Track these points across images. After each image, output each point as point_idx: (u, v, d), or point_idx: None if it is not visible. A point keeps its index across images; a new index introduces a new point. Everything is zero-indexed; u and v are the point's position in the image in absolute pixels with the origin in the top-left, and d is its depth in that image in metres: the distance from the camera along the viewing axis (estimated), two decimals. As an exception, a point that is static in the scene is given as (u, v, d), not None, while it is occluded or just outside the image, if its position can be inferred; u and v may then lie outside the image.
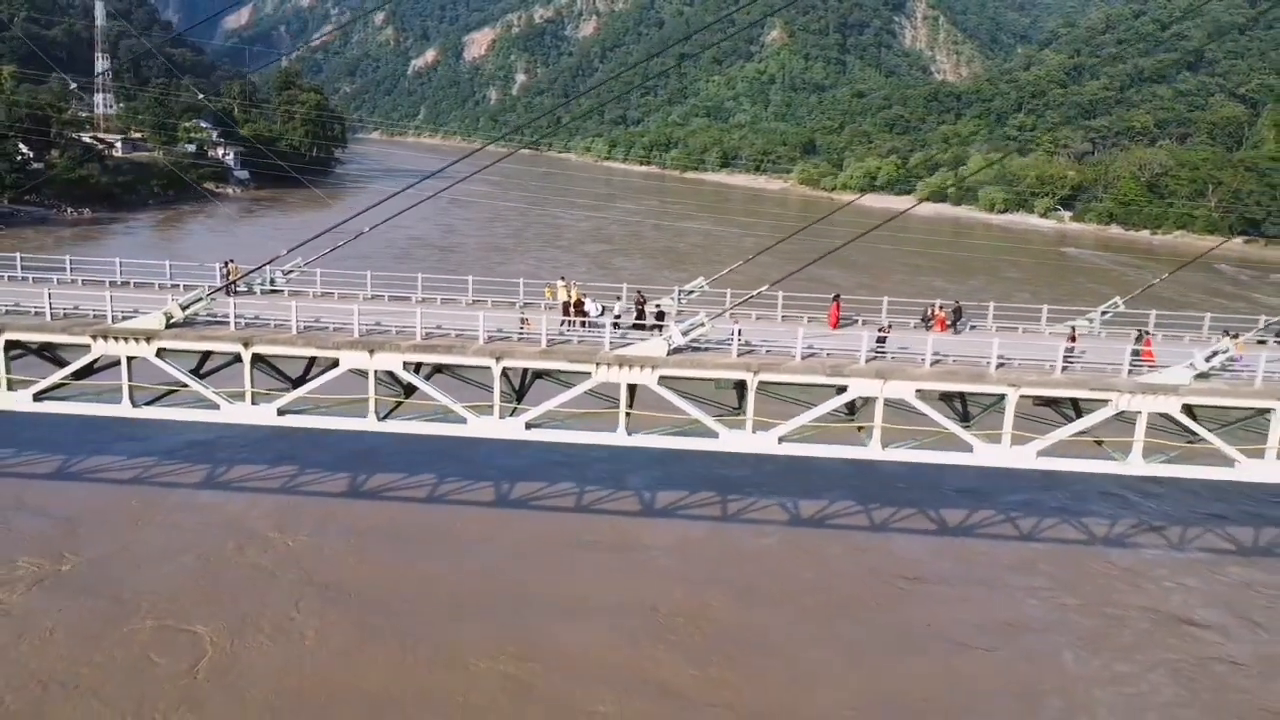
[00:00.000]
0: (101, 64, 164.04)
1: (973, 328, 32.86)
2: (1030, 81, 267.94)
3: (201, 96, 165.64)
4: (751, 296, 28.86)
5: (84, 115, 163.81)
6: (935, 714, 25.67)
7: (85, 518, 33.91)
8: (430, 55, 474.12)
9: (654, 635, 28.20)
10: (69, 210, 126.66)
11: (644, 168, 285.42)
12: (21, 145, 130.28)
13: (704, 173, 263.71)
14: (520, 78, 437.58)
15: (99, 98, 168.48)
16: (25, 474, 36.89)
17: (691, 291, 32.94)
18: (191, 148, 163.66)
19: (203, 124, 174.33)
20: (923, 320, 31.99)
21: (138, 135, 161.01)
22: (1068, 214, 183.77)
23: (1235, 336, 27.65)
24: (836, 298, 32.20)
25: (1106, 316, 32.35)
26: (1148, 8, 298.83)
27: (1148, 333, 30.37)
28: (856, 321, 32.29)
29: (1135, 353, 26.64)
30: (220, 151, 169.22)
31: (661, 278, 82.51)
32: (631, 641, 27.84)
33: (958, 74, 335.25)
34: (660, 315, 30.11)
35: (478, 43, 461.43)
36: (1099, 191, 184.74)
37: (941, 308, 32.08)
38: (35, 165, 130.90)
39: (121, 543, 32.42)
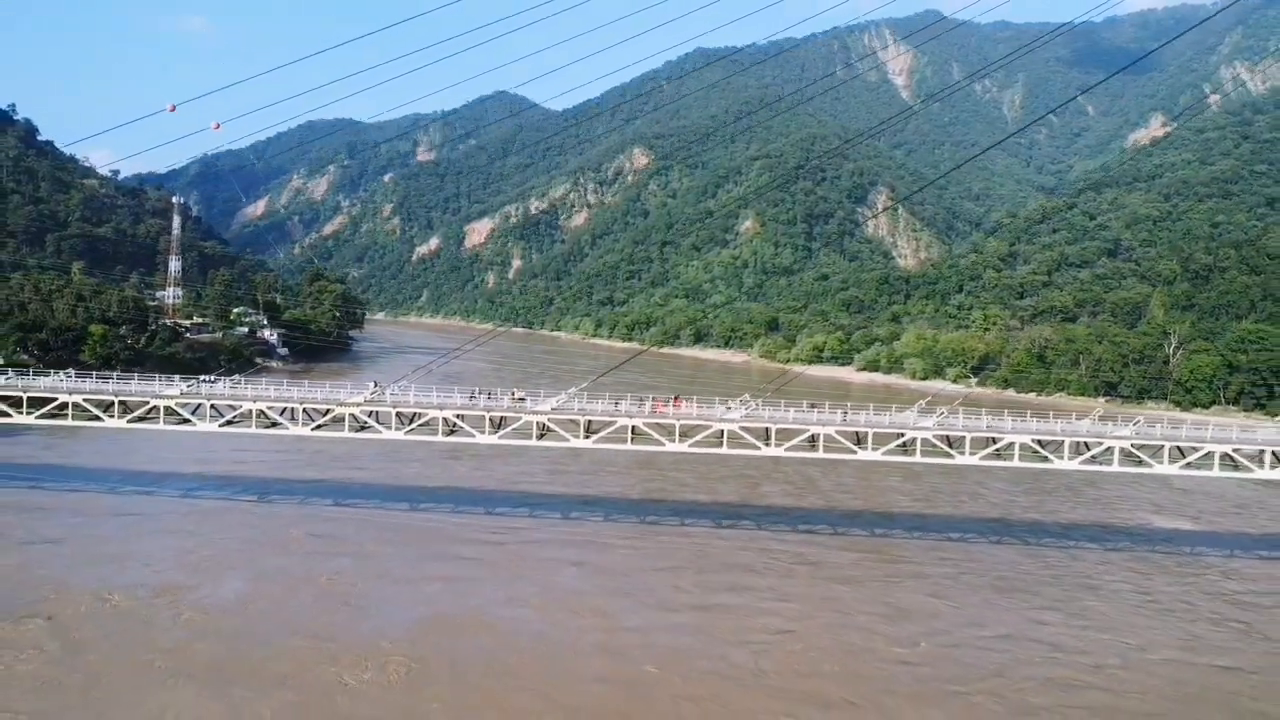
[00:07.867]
0: (174, 264, 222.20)
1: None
2: (969, 266, 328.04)
3: (256, 294, 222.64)
4: (583, 388, 79.34)
5: (152, 304, 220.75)
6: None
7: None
8: (433, 243, 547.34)
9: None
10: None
11: (625, 344, 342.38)
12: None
13: (679, 348, 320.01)
14: (516, 263, 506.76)
15: (169, 290, 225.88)
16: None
17: (571, 390, 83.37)
18: (244, 330, 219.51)
19: (250, 312, 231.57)
20: (665, 402, 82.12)
21: (201, 320, 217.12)
22: (974, 380, 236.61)
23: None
24: (676, 396, 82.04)
25: (745, 400, 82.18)
26: (1079, 201, 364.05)
27: (675, 397, 79.99)
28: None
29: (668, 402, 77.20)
30: (266, 333, 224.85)
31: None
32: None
33: (917, 258, 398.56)
34: (521, 399, 79.88)
35: (477, 231, 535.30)
36: (1000, 361, 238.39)
37: (672, 396, 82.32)
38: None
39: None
